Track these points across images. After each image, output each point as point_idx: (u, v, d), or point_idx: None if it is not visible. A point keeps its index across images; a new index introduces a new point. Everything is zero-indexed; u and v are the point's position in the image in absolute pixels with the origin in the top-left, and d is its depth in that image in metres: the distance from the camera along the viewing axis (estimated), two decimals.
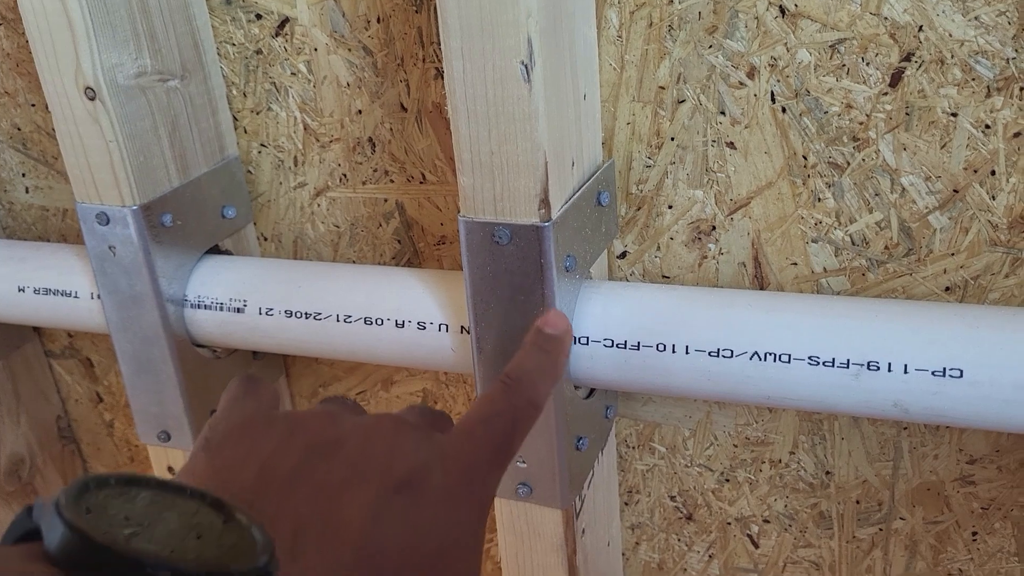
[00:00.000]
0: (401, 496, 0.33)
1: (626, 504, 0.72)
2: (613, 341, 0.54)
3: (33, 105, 0.76)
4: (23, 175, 0.80)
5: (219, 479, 0.32)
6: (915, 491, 0.63)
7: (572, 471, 0.57)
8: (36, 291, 0.69)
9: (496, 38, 0.46)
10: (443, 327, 0.58)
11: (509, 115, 0.48)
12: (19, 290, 0.70)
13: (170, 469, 0.70)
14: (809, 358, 0.50)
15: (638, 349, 0.53)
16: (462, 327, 0.57)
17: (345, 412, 0.38)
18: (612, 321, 0.54)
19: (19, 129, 0.78)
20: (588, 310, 0.55)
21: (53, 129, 0.75)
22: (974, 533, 0.63)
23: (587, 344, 0.54)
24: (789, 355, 0.50)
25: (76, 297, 0.68)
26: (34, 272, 0.70)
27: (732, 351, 0.51)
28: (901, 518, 0.64)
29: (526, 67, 0.46)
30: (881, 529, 0.65)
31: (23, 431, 0.85)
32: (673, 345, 0.53)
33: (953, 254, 0.55)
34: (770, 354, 0.51)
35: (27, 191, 0.80)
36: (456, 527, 0.34)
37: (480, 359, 0.55)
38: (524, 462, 0.57)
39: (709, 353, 0.52)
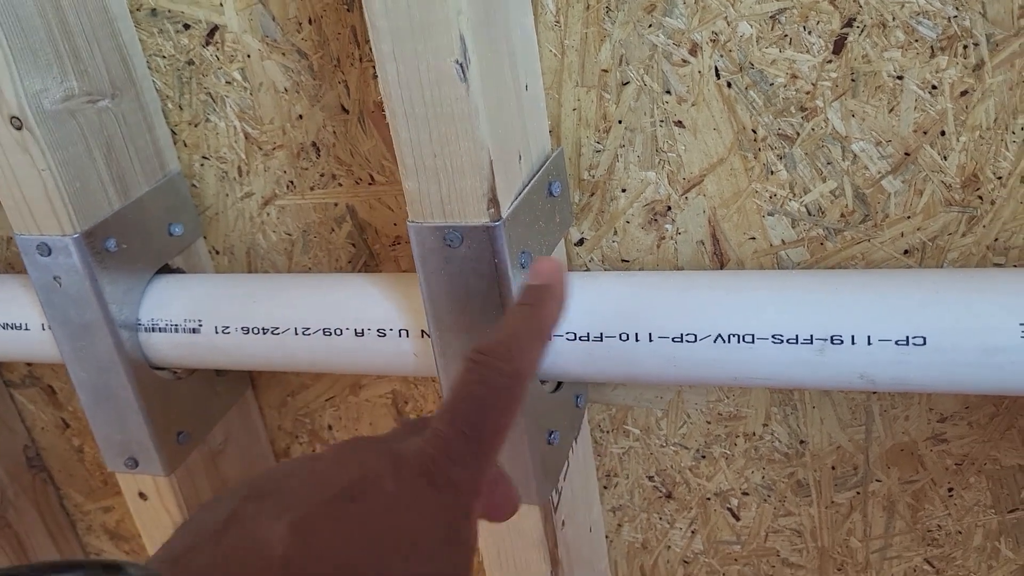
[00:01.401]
0: (344, 509, 0.32)
1: (605, 488, 0.72)
2: (576, 334, 0.53)
3: None
4: None
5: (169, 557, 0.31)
6: (889, 453, 0.63)
7: (546, 466, 0.57)
8: None
9: (428, 38, 0.45)
10: (403, 332, 0.57)
11: (448, 116, 0.46)
12: None
13: (141, 495, 0.69)
14: (772, 336, 0.49)
15: (601, 340, 0.53)
16: (422, 331, 0.56)
17: (332, 450, 0.36)
18: (574, 314, 0.53)
19: None
20: None
21: None
22: (950, 489, 0.63)
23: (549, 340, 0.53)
24: (752, 335, 0.50)
25: (27, 329, 0.66)
26: None
27: (696, 335, 0.51)
28: (877, 480, 0.64)
29: (461, 66, 0.45)
30: (859, 492, 0.65)
31: None
32: (636, 334, 0.52)
33: (909, 217, 0.54)
34: (733, 335, 0.50)
35: None
36: (416, 531, 0.32)
37: (443, 363, 0.54)
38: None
39: (673, 339, 0.51)
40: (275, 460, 0.81)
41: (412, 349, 0.57)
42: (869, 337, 0.48)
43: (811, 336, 0.49)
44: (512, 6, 0.50)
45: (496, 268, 0.50)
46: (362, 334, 0.58)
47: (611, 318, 0.53)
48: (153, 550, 0.72)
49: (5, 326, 0.66)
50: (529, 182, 0.53)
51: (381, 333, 0.57)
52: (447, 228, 0.49)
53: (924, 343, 0.47)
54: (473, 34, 0.45)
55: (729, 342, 0.50)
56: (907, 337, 0.47)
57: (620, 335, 0.52)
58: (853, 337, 0.48)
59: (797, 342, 0.49)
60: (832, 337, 0.48)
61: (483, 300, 0.51)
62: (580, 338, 0.53)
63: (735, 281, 0.53)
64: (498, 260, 0.49)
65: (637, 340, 0.52)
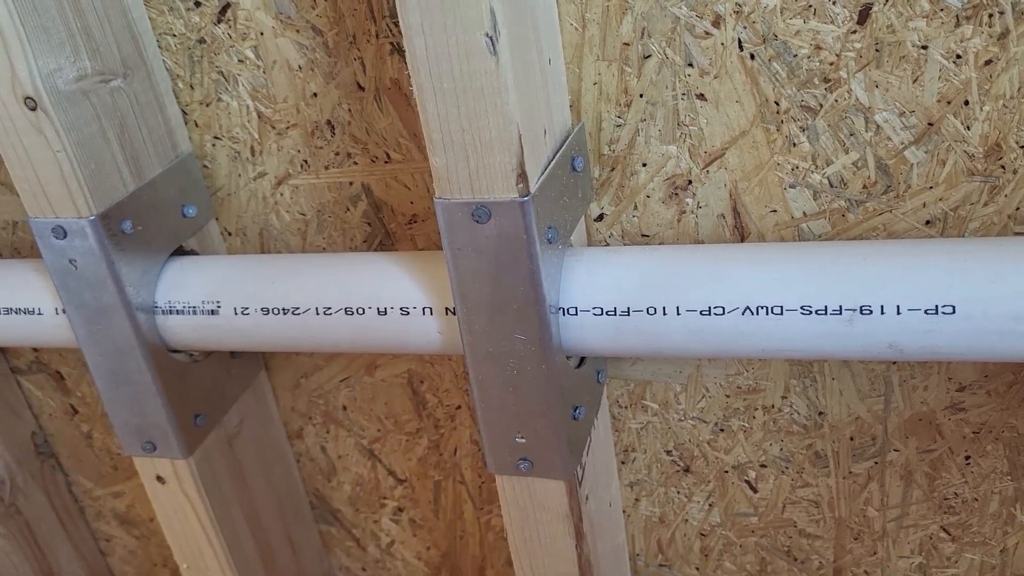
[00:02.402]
0: None
1: (623, 463, 0.72)
2: (603, 309, 0.53)
3: None
4: None
5: None
6: (907, 423, 0.63)
7: (572, 441, 0.57)
8: None
9: (457, 11, 0.44)
10: (427, 310, 0.57)
11: (477, 90, 0.46)
12: None
13: (159, 478, 0.69)
14: (801, 308, 0.50)
15: (628, 315, 0.53)
16: (447, 308, 0.56)
17: None
18: (599, 289, 0.53)
19: None
20: (574, 279, 0.54)
21: None
22: (967, 457, 0.64)
23: (576, 314, 0.54)
24: (781, 307, 0.50)
25: (39, 314, 0.65)
26: None
27: (724, 308, 0.51)
28: (895, 450, 0.65)
29: (491, 39, 0.45)
30: (876, 462, 0.66)
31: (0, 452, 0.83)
32: (664, 307, 0.52)
33: (931, 187, 0.55)
34: (762, 307, 0.50)
35: None
36: None
37: (469, 340, 0.54)
38: (523, 438, 0.56)
39: (700, 312, 0.51)
40: (288, 442, 0.81)
41: (436, 327, 0.57)
42: (898, 307, 0.48)
43: (840, 307, 0.49)
44: None
45: (525, 243, 0.50)
46: (385, 312, 0.57)
47: (637, 292, 0.53)
48: (171, 534, 0.72)
49: (17, 311, 0.66)
50: (554, 157, 0.53)
51: (404, 311, 0.57)
52: (475, 204, 0.49)
53: (953, 312, 0.47)
54: (503, 7, 0.45)
55: (757, 314, 0.50)
56: (936, 306, 0.47)
57: (647, 309, 0.52)
58: (882, 307, 0.48)
59: (826, 313, 0.49)
60: (861, 307, 0.49)
61: (511, 276, 0.51)
62: (607, 312, 0.53)
63: (761, 253, 0.53)
64: (527, 235, 0.49)
65: (664, 313, 0.52)
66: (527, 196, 0.49)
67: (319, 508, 0.85)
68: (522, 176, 0.48)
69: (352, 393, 0.76)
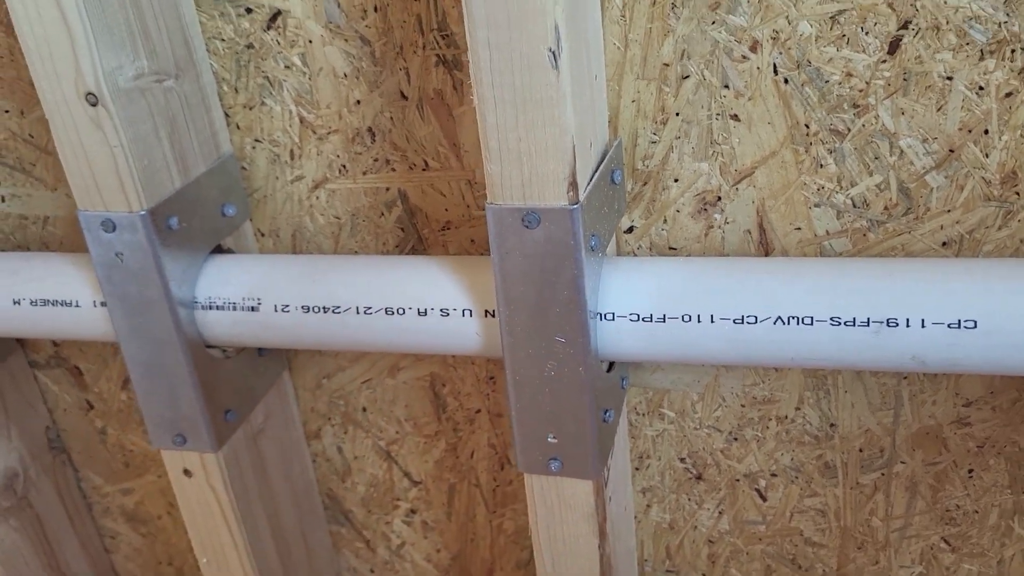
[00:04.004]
0: None
1: (636, 469, 0.74)
2: (639, 315, 0.55)
3: (7, 111, 0.74)
4: None
5: None
6: (915, 436, 0.66)
7: (601, 443, 0.59)
8: (33, 303, 0.67)
9: (524, 26, 0.47)
10: (467, 312, 0.59)
11: (537, 101, 0.49)
12: (14, 303, 0.68)
13: (186, 471, 0.70)
14: (831, 319, 0.52)
15: (664, 321, 0.55)
16: (486, 311, 0.58)
17: None
18: (636, 296, 0.56)
19: None
20: (612, 286, 0.56)
21: (30, 135, 0.73)
22: (970, 471, 0.67)
23: (613, 320, 0.56)
24: (812, 317, 0.53)
25: (77, 306, 0.66)
26: (28, 283, 0.68)
27: (756, 317, 0.54)
28: (902, 462, 0.68)
29: (553, 54, 0.47)
30: (883, 474, 0.69)
31: (14, 444, 0.84)
32: (698, 315, 0.54)
33: (949, 210, 0.58)
34: (793, 317, 0.53)
35: (3, 200, 0.78)
36: None
37: (509, 342, 0.56)
38: (555, 438, 0.59)
39: (734, 321, 0.54)
40: (306, 442, 0.82)
41: (475, 328, 0.59)
42: (923, 320, 0.51)
43: (868, 319, 0.52)
44: (590, 0, 0.53)
45: (571, 249, 0.52)
46: (425, 313, 0.59)
47: (673, 300, 0.55)
48: (193, 527, 0.73)
49: (55, 303, 0.67)
50: (597, 169, 0.55)
51: (444, 312, 0.59)
52: (527, 210, 0.51)
53: (975, 326, 0.50)
54: (565, 24, 0.47)
55: (788, 324, 0.53)
56: (959, 320, 0.50)
57: (683, 316, 0.55)
58: (908, 320, 0.51)
59: (854, 324, 0.52)
60: (888, 320, 0.51)
61: (556, 280, 0.53)
62: (643, 319, 0.55)
63: (791, 267, 0.55)
64: (574, 241, 0.52)
65: (699, 321, 0.54)
66: (576, 204, 0.51)
67: (331, 508, 0.86)
68: (573, 184, 0.51)
69: (373, 394, 0.78)
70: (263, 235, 0.73)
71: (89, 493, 0.94)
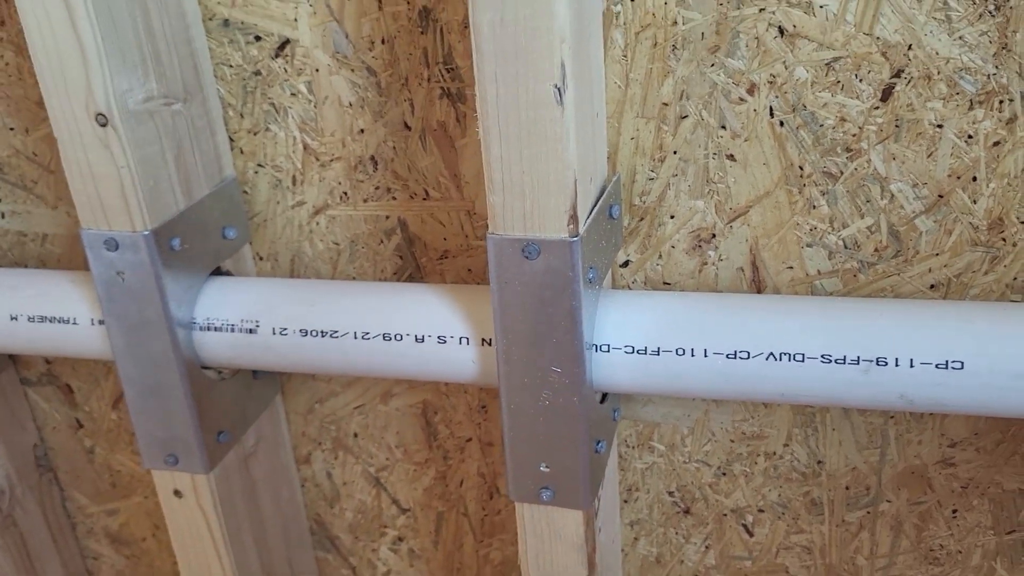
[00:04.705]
0: None
1: (625, 502, 0.75)
2: (634, 347, 0.56)
3: (12, 129, 0.74)
4: None
5: None
6: (900, 475, 0.67)
7: (593, 473, 0.60)
8: (31, 319, 0.68)
9: (530, 63, 0.48)
10: (464, 340, 0.59)
11: (541, 136, 0.50)
12: (11, 319, 0.68)
13: (176, 492, 0.70)
14: (822, 356, 0.53)
15: (658, 354, 0.56)
16: (483, 339, 0.59)
17: None
18: (631, 328, 0.57)
19: None
20: (608, 318, 0.57)
21: (33, 153, 0.74)
22: (954, 511, 0.68)
23: (608, 351, 0.57)
24: (803, 354, 0.54)
25: (75, 324, 0.67)
26: (27, 300, 0.68)
27: (749, 352, 0.55)
28: (887, 501, 0.68)
29: (559, 90, 0.48)
30: (869, 512, 0.69)
31: (2, 462, 0.83)
32: (692, 349, 0.55)
33: (937, 254, 0.59)
34: (785, 354, 0.54)
35: (2, 216, 0.79)
36: None
37: (505, 370, 0.57)
38: (548, 467, 0.59)
39: (727, 355, 0.55)
40: (296, 467, 0.82)
41: (472, 357, 0.60)
42: (912, 360, 0.52)
43: (858, 357, 0.53)
44: (593, 38, 0.54)
45: (570, 281, 0.53)
46: (422, 340, 0.60)
47: (667, 333, 0.56)
48: (181, 549, 0.73)
49: (52, 319, 0.67)
50: (596, 203, 0.57)
51: (442, 340, 0.60)
52: (527, 241, 0.53)
53: (962, 367, 0.51)
54: (572, 62, 0.49)
55: (780, 360, 0.54)
56: (947, 361, 0.52)
57: (676, 350, 0.56)
58: (897, 359, 0.52)
59: (845, 362, 0.53)
60: (877, 359, 0.53)
61: (553, 311, 0.54)
62: (638, 351, 0.56)
63: (784, 304, 0.57)
64: (572, 273, 0.53)
65: (692, 355, 0.55)
66: (576, 237, 0.52)
67: (318, 534, 0.86)
68: (573, 217, 0.52)
69: (365, 420, 0.78)
70: (261, 259, 0.73)
71: (74, 513, 0.93)
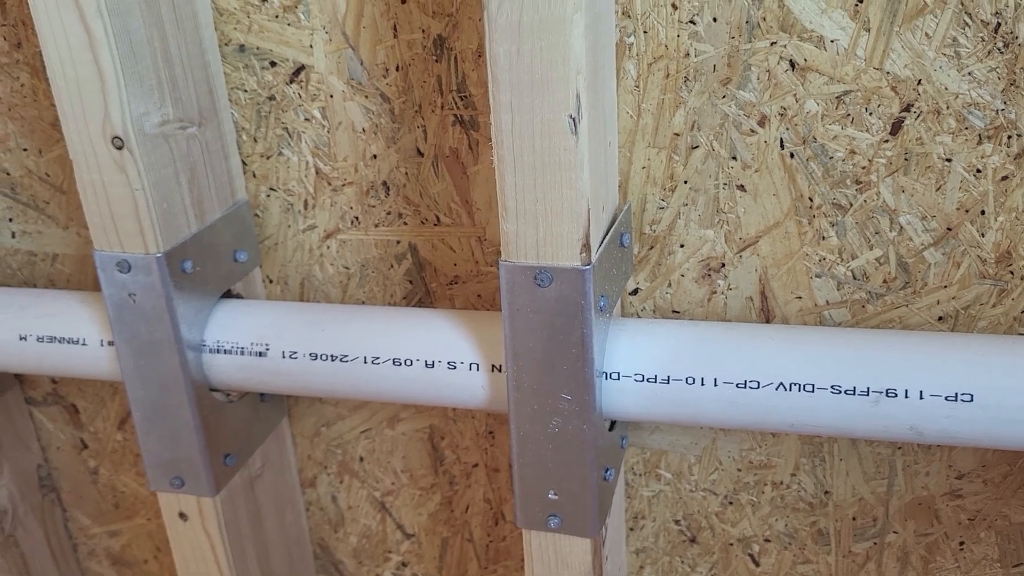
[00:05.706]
0: None
1: (631, 529, 0.75)
2: (644, 376, 0.57)
3: (25, 150, 0.75)
4: (10, 220, 0.78)
5: None
6: (907, 506, 0.67)
7: (601, 501, 0.60)
8: (40, 339, 0.68)
9: (546, 93, 0.49)
10: (474, 366, 0.60)
11: (555, 165, 0.50)
12: (20, 338, 0.68)
13: (181, 515, 0.70)
14: (831, 387, 0.54)
15: (668, 383, 0.56)
16: (493, 366, 0.59)
17: None
18: (641, 356, 0.57)
19: (8, 174, 0.76)
20: (618, 346, 0.57)
21: (46, 174, 0.74)
22: (961, 543, 0.68)
23: (618, 379, 0.57)
24: (813, 385, 0.54)
25: (84, 344, 0.67)
26: (36, 320, 0.69)
27: (759, 382, 0.55)
28: (894, 532, 0.68)
29: (574, 120, 0.49)
30: (875, 543, 0.69)
31: (5, 482, 0.83)
32: (702, 378, 0.56)
33: (946, 286, 0.60)
34: (795, 384, 0.54)
35: (13, 236, 0.79)
36: None
37: (516, 396, 0.57)
38: (556, 494, 0.59)
39: (736, 385, 0.55)
40: (301, 490, 0.82)
41: (481, 382, 0.60)
42: (921, 392, 0.52)
43: (868, 388, 0.53)
44: (606, 69, 0.55)
45: (581, 308, 0.53)
46: (432, 365, 0.60)
47: (678, 362, 0.56)
48: (184, 572, 0.73)
49: (61, 340, 0.67)
50: (608, 231, 0.57)
51: (452, 365, 0.60)
52: (539, 268, 0.53)
53: (971, 399, 0.52)
54: (586, 93, 0.49)
55: (790, 390, 0.54)
56: (956, 393, 0.52)
57: (687, 378, 0.56)
58: (907, 391, 0.52)
59: (854, 393, 0.53)
60: (887, 390, 0.53)
61: (564, 338, 0.54)
62: (648, 380, 0.56)
63: (794, 334, 0.57)
64: (584, 301, 0.53)
65: (702, 384, 0.56)
66: (589, 265, 0.52)
67: (322, 559, 0.86)
68: (586, 246, 0.52)
69: (371, 444, 0.78)
70: (271, 282, 0.74)
71: (75, 534, 0.93)
